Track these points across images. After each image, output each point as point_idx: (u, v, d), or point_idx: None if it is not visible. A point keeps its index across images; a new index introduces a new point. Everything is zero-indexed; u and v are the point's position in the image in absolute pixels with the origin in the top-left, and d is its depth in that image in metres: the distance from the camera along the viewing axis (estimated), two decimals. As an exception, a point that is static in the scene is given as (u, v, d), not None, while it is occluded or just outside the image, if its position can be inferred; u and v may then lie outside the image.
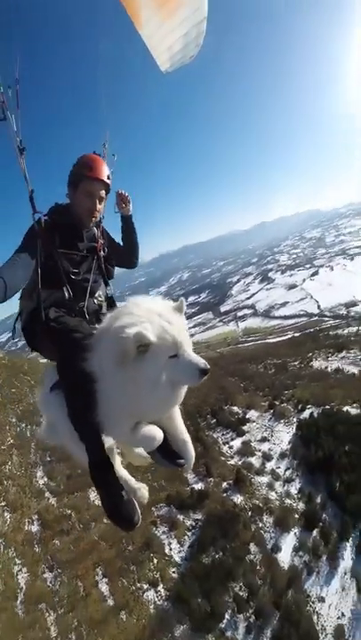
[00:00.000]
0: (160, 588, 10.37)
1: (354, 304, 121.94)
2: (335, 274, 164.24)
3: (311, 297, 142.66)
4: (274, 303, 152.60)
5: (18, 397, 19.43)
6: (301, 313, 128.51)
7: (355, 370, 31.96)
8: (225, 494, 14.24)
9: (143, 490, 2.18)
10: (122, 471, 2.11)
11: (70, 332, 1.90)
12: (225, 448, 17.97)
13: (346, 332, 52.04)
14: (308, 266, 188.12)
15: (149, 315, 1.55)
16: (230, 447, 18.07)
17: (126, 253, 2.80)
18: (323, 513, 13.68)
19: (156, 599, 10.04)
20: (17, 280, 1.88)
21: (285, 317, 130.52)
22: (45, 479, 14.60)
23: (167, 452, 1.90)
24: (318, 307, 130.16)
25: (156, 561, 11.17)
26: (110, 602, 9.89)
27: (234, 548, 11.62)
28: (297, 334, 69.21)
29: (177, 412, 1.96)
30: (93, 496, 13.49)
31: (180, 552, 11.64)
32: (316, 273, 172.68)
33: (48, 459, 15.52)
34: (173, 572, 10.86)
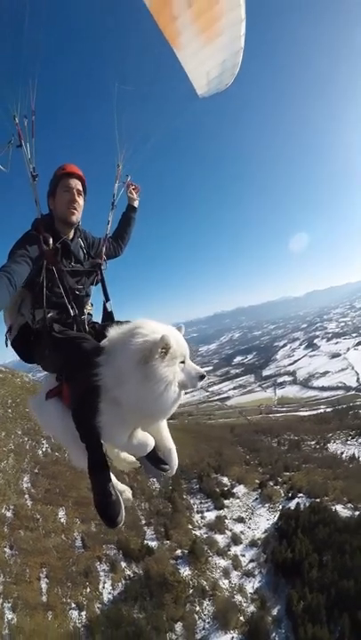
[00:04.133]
0: (83, 614, 10.54)
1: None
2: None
3: (352, 368, 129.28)
4: (315, 372, 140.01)
5: (28, 416, 21.17)
6: (339, 385, 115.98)
7: (370, 459, 27.83)
8: (174, 561, 13.09)
9: (127, 492, 2.10)
10: (111, 475, 1.98)
11: (77, 341, 1.85)
12: (197, 517, 16.59)
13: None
14: (354, 335, 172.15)
15: (164, 328, 1.69)
16: (202, 517, 16.63)
17: (116, 240, 2.62)
18: (273, 632, 11.40)
19: (77, 621, 10.32)
20: (3, 297, 1.71)
21: (323, 389, 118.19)
22: (29, 485, 15.63)
23: (154, 458, 1.95)
24: (358, 379, 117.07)
25: (88, 590, 11.40)
26: (44, 598, 10.60)
27: (155, 616, 10.73)
28: (329, 409, 62.56)
29: (164, 422, 1.98)
30: (61, 514, 14.28)
31: (109, 593, 11.53)
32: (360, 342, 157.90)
33: (36, 470, 16.62)
34: (98, 608, 10.89)
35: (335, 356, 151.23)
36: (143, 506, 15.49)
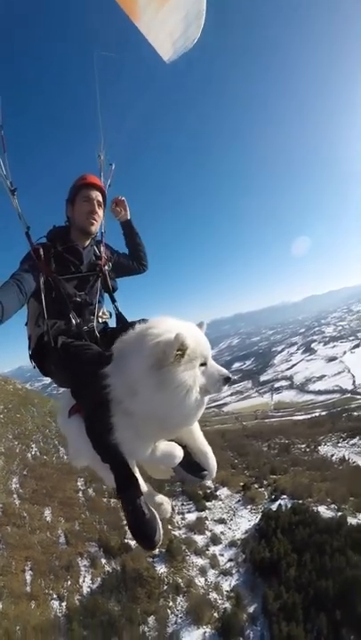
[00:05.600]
0: (63, 604, 10.97)
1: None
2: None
3: (348, 371, 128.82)
4: (311, 376, 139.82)
5: (19, 421, 22.08)
6: (335, 389, 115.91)
7: (360, 461, 27.95)
8: (151, 559, 13.27)
9: (166, 504, 1.92)
10: (145, 486, 1.80)
11: (80, 353, 1.74)
12: (177, 518, 16.59)
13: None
14: (351, 338, 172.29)
15: (180, 326, 1.49)
16: (183, 518, 16.63)
17: (133, 259, 2.57)
18: (248, 629, 11.46)
19: (58, 611, 10.78)
20: (14, 304, 1.71)
21: (319, 392, 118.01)
22: (17, 485, 16.22)
23: (189, 464, 1.78)
24: (353, 382, 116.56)
25: (69, 583, 11.84)
26: (28, 589, 11.03)
27: (129, 609, 11.01)
28: (324, 413, 62.64)
29: (196, 425, 1.81)
30: (47, 513, 14.80)
31: (89, 587, 11.91)
32: (357, 345, 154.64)
33: (24, 472, 17.29)
34: (77, 599, 11.34)
35: (332, 359, 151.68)
36: (124, 507, 15.71)
